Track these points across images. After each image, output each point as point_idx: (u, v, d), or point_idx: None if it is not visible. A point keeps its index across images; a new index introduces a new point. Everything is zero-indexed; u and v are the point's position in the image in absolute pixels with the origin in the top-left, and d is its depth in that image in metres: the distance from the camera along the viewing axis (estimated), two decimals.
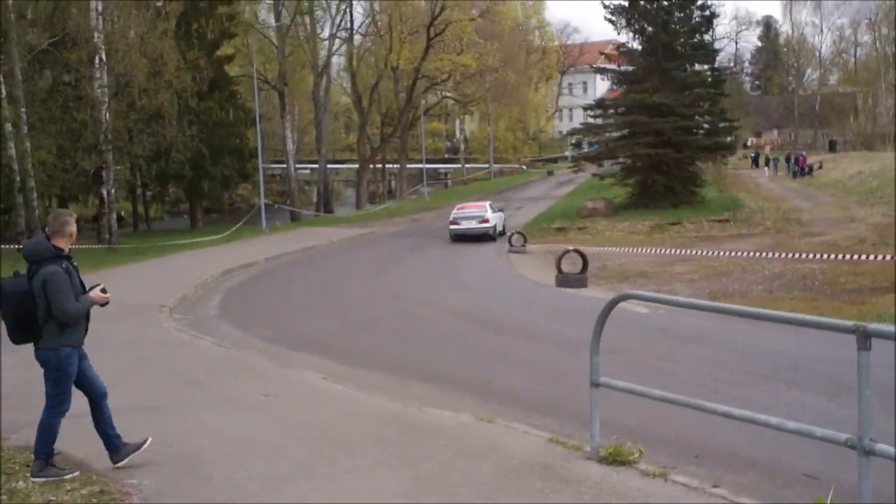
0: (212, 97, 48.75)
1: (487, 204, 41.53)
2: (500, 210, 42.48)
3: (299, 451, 8.18)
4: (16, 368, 10.40)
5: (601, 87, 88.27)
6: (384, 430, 8.85)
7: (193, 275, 26.68)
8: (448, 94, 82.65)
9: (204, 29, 48.95)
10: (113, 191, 39.25)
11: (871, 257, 24.46)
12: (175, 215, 67.50)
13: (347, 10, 68.22)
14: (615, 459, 7.35)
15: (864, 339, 5.21)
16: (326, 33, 67.63)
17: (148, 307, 19.48)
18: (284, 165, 66.15)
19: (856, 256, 24.86)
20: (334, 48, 68.76)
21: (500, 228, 39.76)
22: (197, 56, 44.77)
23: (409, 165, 79.11)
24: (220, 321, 18.76)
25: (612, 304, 7.26)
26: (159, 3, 41.91)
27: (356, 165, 74.24)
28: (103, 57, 37.47)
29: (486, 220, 38.82)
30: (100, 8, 37.36)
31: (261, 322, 18.42)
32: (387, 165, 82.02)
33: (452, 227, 39.18)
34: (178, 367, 12.87)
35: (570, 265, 24.45)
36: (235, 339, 15.99)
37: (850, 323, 5.45)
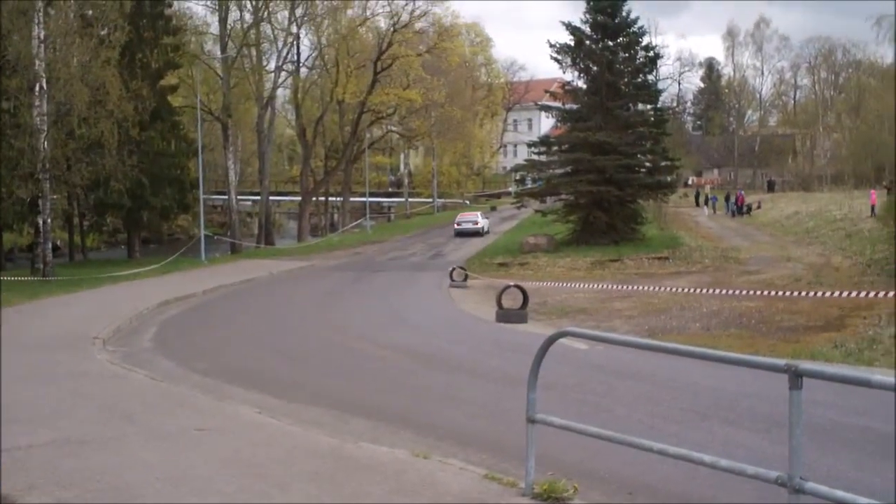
0: (154, 127, 48.40)
1: (479, 213, 64.41)
2: (487, 217, 63.73)
3: (231, 487, 8.01)
4: None
5: (546, 124, 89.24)
6: (319, 465, 8.72)
7: (129, 306, 26.29)
8: (393, 129, 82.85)
9: (148, 59, 48.65)
10: (49, 220, 38.55)
11: (808, 294, 24.82)
12: (112, 245, 66.62)
13: (294, 43, 68.19)
14: (550, 496, 7.29)
15: (796, 378, 5.24)
16: (272, 65, 67.60)
17: (81, 339, 19.11)
18: (226, 196, 65.74)
19: (792, 293, 25.21)
20: (280, 80, 68.67)
21: (486, 228, 60.44)
22: (140, 86, 44.40)
23: (352, 198, 79.10)
24: (154, 354, 18.46)
25: (550, 340, 7.24)
26: (103, 32, 41.50)
27: (299, 198, 73.99)
28: (44, 85, 37.01)
29: (478, 223, 60.34)
30: (42, 35, 36.95)
31: (196, 355, 18.17)
32: (330, 198, 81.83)
33: (456, 226, 60.55)
34: (110, 401, 12.59)
35: (511, 300, 24.49)
36: (170, 372, 15.73)
37: (781, 362, 5.48)
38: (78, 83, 37.19)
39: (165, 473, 8.50)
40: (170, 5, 54.99)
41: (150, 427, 10.73)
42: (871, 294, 23.64)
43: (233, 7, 62.49)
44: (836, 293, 24.10)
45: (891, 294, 23.05)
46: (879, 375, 5.27)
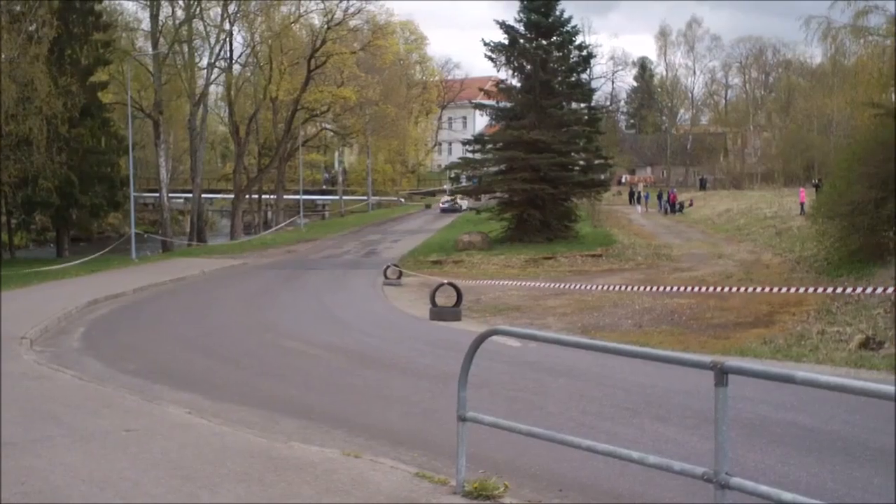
0: (83, 124, 47.59)
1: (458, 196, 66.99)
2: (463, 199, 66.99)
3: (159, 489, 7.89)
4: None
5: (480, 122, 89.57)
6: (249, 465, 8.63)
7: (57, 305, 25.79)
8: (327, 126, 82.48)
9: (78, 55, 47.83)
10: None
11: (738, 290, 25.12)
12: (41, 244, 65.30)
13: (227, 39, 67.50)
14: (480, 494, 7.30)
15: (721, 375, 5.28)
16: (205, 62, 66.84)
17: (7, 339, 18.73)
18: (158, 194, 64.87)
19: (723, 290, 25.50)
20: (212, 77, 67.94)
21: (464, 207, 66.84)
22: (69, 82, 43.67)
23: (285, 196, 78.63)
24: (82, 354, 18.16)
25: (481, 339, 7.23)
26: (32, 28, 40.76)
27: (232, 195, 73.35)
28: None
29: (456, 202, 68.83)
30: None
31: (126, 355, 17.89)
32: (263, 196, 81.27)
33: (441, 205, 76.29)
34: (36, 402, 12.34)
35: (445, 298, 24.48)
36: (98, 373, 15.46)
37: (707, 359, 5.52)
38: (6, 79, 36.61)
39: (92, 475, 8.37)
40: (100, 1, 54.14)
41: (76, 428, 10.53)
42: (801, 290, 24.00)
43: (164, 3, 61.72)
44: (766, 290, 24.43)
45: (820, 290, 23.44)
46: (803, 372, 5.32)
